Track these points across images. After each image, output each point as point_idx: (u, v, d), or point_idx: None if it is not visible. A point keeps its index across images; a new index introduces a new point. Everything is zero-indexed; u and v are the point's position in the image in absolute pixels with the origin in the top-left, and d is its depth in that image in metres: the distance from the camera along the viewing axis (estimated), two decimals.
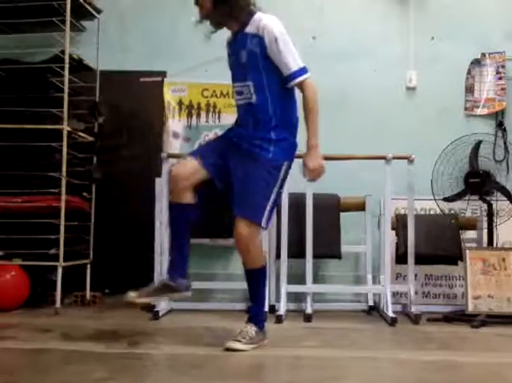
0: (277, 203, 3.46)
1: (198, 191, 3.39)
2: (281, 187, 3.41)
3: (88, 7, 5.02)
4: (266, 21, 3.27)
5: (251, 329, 3.37)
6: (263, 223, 3.31)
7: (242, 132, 3.39)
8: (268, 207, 3.31)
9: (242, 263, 3.44)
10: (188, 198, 3.34)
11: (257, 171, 3.29)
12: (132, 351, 3.29)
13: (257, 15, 3.31)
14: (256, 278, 3.44)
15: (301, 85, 3.31)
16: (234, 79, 3.44)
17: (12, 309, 4.49)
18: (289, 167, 3.42)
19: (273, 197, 3.32)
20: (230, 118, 5.28)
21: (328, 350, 3.44)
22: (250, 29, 3.29)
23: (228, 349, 3.26)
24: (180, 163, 3.47)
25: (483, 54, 5.33)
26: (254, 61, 3.29)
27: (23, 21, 4.78)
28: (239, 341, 3.31)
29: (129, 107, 5.35)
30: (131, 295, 3.43)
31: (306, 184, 4.57)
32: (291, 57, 3.28)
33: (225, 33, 5.34)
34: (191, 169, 3.33)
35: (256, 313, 3.46)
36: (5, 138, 4.64)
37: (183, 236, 3.42)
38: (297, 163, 4.51)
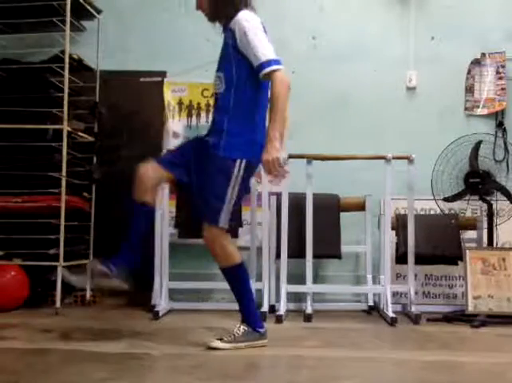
0: (238, 203, 3.40)
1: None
2: (240, 185, 3.29)
3: (88, 7, 5.01)
4: (240, 15, 3.27)
5: (239, 329, 3.37)
6: (221, 224, 3.29)
7: (214, 121, 3.42)
8: (224, 208, 3.28)
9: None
10: (149, 198, 3.44)
11: (210, 173, 3.29)
12: (132, 351, 3.29)
13: (240, 12, 3.31)
14: (231, 276, 3.43)
15: (269, 77, 3.22)
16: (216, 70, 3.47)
17: (12, 309, 4.49)
18: (250, 165, 3.30)
19: (228, 197, 3.27)
20: None
21: (328, 350, 3.44)
22: (230, 24, 3.31)
23: (208, 348, 3.28)
24: (143, 166, 3.50)
25: (483, 54, 5.33)
26: (227, 53, 3.33)
27: (23, 21, 4.77)
28: (221, 339, 3.33)
29: (129, 107, 5.34)
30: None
31: (306, 184, 4.58)
32: (260, 49, 3.22)
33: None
34: (154, 171, 3.41)
35: (246, 313, 3.43)
36: (5, 138, 4.64)
37: (137, 234, 3.48)
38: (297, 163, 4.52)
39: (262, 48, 3.22)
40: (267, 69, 3.20)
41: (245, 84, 3.30)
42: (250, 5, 3.38)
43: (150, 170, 3.42)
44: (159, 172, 3.41)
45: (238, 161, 3.27)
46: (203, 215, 3.34)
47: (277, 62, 3.22)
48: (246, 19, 3.26)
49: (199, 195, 3.35)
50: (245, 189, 3.40)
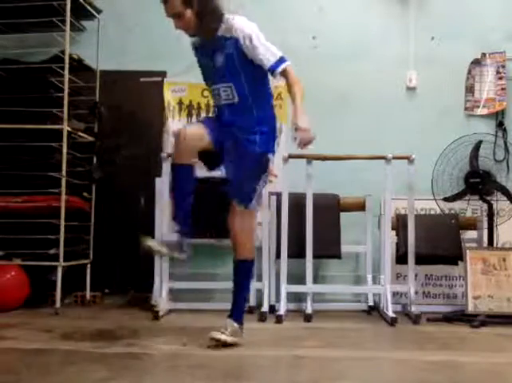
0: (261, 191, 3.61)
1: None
2: (266, 176, 3.55)
3: (88, 7, 5.02)
4: (238, 22, 3.38)
5: (232, 325, 3.43)
6: (251, 206, 3.49)
7: (231, 131, 3.49)
8: (256, 194, 3.49)
9: (233, 254, 3.54)
10: (189, 159, 3.41)
11: (248, 166, 3.46)
12: (132, 351, 3.29)
13: (226, 17, 3.39)
14: (244, 270, 3.53)
15: (283, 73, 3.41)
16: (210, 81, 3.57)
17: (12, 309, 4.49)
18: (271, 159, 3.56)
19: (260, 186, 3.51)
20: None
21: (328, 350, 3.44)
22: (222, 32, 3.40)
23: (213, 339, 3.34)
24: (189, 126, 3.62)
25: (483, 54, 5.33)
26: (231, 63, 3.41)
27: (23, 21, 4.78)
28: (223, 332, 3.38)
29: (129, 107, 5.34)
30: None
31: (306, 184, 4.58)
32: (268, 51, 3.38)
33: None
34: (199, 134, 3.41)
35: (239, 309, 3.51)
36: (5, 138, 4.64)
37: (186, 196, 3.49)
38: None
39: (269, 49, 3.38)
40: (281, 67, 3.39)
41: (256, 89, 3.47)
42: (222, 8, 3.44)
43: (193, 130, 3.45)
44: (203, 136, 3.42)
45: (269, 155, 3.51)
46: (236, 199, 3.48)
47: (285, 59, 3.41)
48: (246, 26, 3.37)
49: (233, 179, 3.49)
50: None
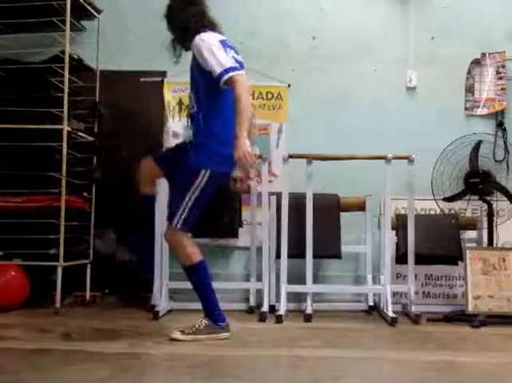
0: (195, 211, 3.58)
1: None
2: (200, 193, 3.54)
3: (88, 7, 5.01)
4: (196, 39, 3.55)
5: (201, 323, 3.59)
6: (174, 225, 3.57)
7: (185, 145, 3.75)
8: (180, 211, 3.54)
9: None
10: (150, 189, 3.91)
11: (179, 175, 3.62)
12: (132, 351, 3.29)
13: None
14: (191, 274, 3.68)
15: (229, 83, 3.45)
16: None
17: (12, 309, 4.49)
18: (214, 177, 3.54)
19: (185, 201, 3.53)
20: None
21: (328, 350, 3.44)
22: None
23: (170, 339, 3.52)
24: (142, 163, 3.88)
25: (483, 54, 5.33)
26: (192, 75, 3.64)
27: (23, 21, 4.77)
28: (182, 331, 3.56)
29: (129, 107, 5.34)
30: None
31: (306, 184, 4.58)
32: (215, 62, 3.47)
33: (226, 34, 5.35)
34: (150, 168, 3.81)
35: (206, 308, 3.65)
36: (5, 138, 4.64)
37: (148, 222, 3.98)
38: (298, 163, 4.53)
39: (217, 60, 3.47)
40: (224, 78, 3.44)
41: (207, 101, 3.56)
42: (209, 23, 3.67)
43: (146, 165, 3.83)
44: (154, 167, 3.80)
45: (204, 171, 3.51)
46: (169, 211, 3.66)
47: (233, 69, 3.46)
48: (200, 39, 3.53)
49: (171, 190, 3.77)
50: (207, 196, 3.61)
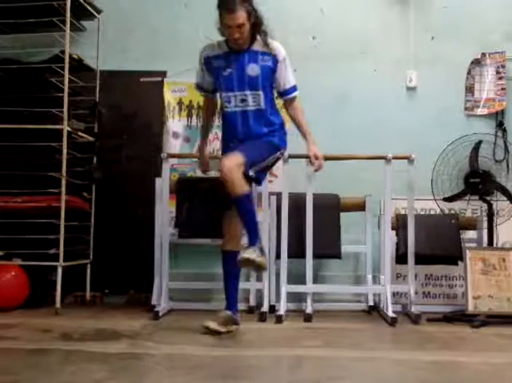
0: (265, 173, 4.01)
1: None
2: (273, 164, 3.98)
3: (88, 7, 5.02)
4: (277, 44, 3.86)
5: (255, 249, 3.64)
6: (248, 171, 3.67)
7: (251, 130, 3.87)
8: (256, 165, 3.75)
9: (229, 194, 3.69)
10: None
11: (262, 141, 3.85)
12: (132, 351, 3.29)
13: (259, 37, 3.84)
14: (243, 203, 3.69)
15: (293, 99, 3.94)
16: (234, 89, 3.84)
17: (12, 309, 4.49)
18: (279, 158, 4.01)
19: (265, 162, 3.84)
20: None
21: (328, 350, 3.44)
22: (257, 47, 3.83)
23: (242, 259, 3.60)
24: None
25: (483, 54, 5.33)
26: (266, 75, 3.83)
27: (23, 21, 4.77)
28: (252, 252, 3.62)
29: (129, 107, 5.34)
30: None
31: (306, 184, 4.58)
32: (291, 76, 3.91)
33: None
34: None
35: (252, 234, 3.70)
36: (5, 138, 4.64)
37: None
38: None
39: (291, 74, 3.92)
40: (294, 93, 3.93)
41: (272, 100, 3.92)
42: None
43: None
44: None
45: (282, 148, 3.97)
46: (239, 151, 3.71)
47: (297, 89, 3.94)
48: (282, 48, 3.86)
49: (247, 142, 3.83)
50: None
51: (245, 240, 3.84)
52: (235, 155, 3.67)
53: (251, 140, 3.84)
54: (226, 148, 3.90)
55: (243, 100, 3.83)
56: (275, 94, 3.97)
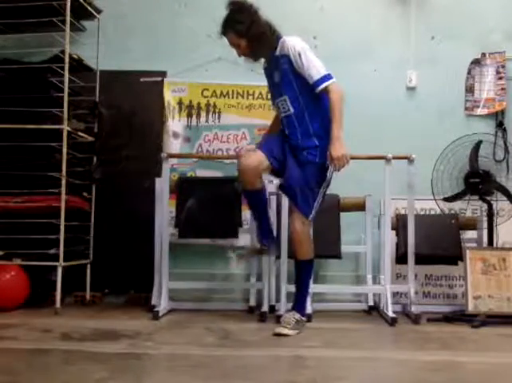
0: (323, 200, 3.96)
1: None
2: (327, 186, 3.93)
3: (88, 7, 5.01)
4: (289, 41, 3.79)
5: (293, 316, 3.80)
6: (310, 217, 3.85)
7: (292, 142, 3.88)
8: (314, 204, 3.85)
9: (294, 255, 3.94)
10: (258, 184, 3.85)
11: (309, 174, 3.81)
12: (132, 351, 3.29)
13: (282, 38, 3.83)
14: (305, 268, 3.92)
15: (325, 90, 3.74)
16: (274, 97, 3.96)
17: (12, 309, 4.49)
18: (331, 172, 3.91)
19: (320, 195, 3.88)
20: (230, 118, 5.31)
21: (328, 350, 3.44)
22: (278, 51, 3.83)
23: (276, 334, 3.69)
24: (247, 155, 3.88)
25: (483, 54, 5.33)
26: (286, 78, 3.80)
27: (23, 21, 4.77)
28: (285, 327, 3.74)
29: (129, 107, 5.34)
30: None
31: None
32: (314, 68, 3.74)
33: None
34: (258, 160, 3.80)
35: (302, 303, 3.92)
36: (5, 138, 4.64)
37: (264, 213, 4.02)
38: None
39: (314, 66, 3.74)
40: (323, 85, 3.74)
41: (311, 100, 3.81)
42: (276, 31, 3.88)
43: (253, 158, 3.80)
44: (262, 160, 3.81)
45: (329, 167, 3.85)
46: (300, 207, 3.83)
47: (328, 77, 3.76)
48: (295, 44, 3.77)
49: (297, 189, 3.83)
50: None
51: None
52: (299, 216, 3.81)
53: (293, 158, 3.83)
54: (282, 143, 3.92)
55: (279, 108, 3.91)
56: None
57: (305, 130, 3.84)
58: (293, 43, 3.77)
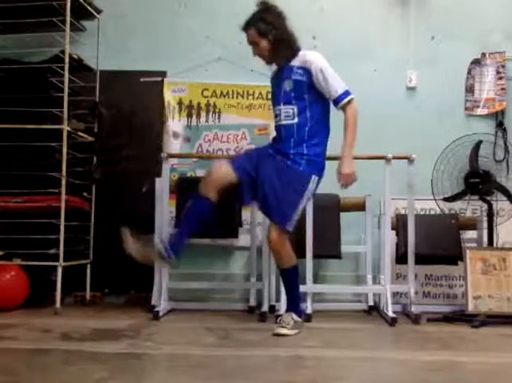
0: (299, 214, 3.84)
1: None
2: (308, 199, 3.86)
3: (88, 7, 5.02)
4: (311, 55, 3.84)
5: (291, 316, 3.81)
6: (287, 227, 3.76)
7: (281, 146, 3.83)
8: (293, 214, 3.75)
9: (276, 264, 4.00)
10: (213, 195, 3.76)
11: (288, 182, 3.74)
12: (132, 351, 3.29)
13: (302, 52, 3.86)
14: (289, 276, 3.90)
15: (346, 106, 3.82)
16: (277, 103, 3.90)
17: (12, 309, 4.49)
18: (318, 182, 3.86)
19: (299, 206, 3.77)
20: (230, 118, 5.31)
21: (328, 350, 3.44)
22: (295, 62, 3.83)
23: (276, 335, 3.69)
24: (217, 165, 3.89)
25: (483, 54, 5.33)
26: (299, 89, 3.80)
27: (23, 21, 4.77)
28: (284, 327, 3.74)
29: (129, 107, 5.34)
30: (132, 247, 3.82)
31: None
32: (337, 83, 3.80)
33: (226, 33, 5.37)
34: (225, 173, 3.78)
35: (294, 302, 3.91)
36: (5, 138, 4.64)
37: (191, 224, 3.86)
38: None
39: (337, 82, 3.81)
40: (345, 101, 3.81)
41: (316, 115, 3.83)
42: (298, 42, 3.90)
43: (223, 170, 3.79)
44: (230, 174, 3.79)
45: (313, 178, 3.82)
46: (274, 217, 3.77)
47: (349, 93, 3.83)
48: (318, 59, 3.81)
49: (271, 199, 3.75)
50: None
51: None
52: (275, 226, 3.75)
53: (271, 172, 3.76)
54: (267, 150, 3.90)
55: (277, 115, 3.88)
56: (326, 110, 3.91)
57: (300, 140, 3.81)
58: (315, 57, 3.82)
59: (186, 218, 3.88)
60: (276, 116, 3.90)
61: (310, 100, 3.81)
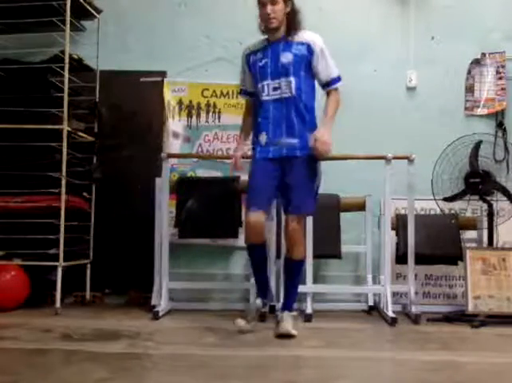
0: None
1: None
2: (320, 177, 3.97)
3: (88, 7, 5.02)
4: (313, 34, 3.93)
5: (290, 316, 3.85)
6: (311, 210, 3.97)
7: (276, 133, 3.86)
8: (313, 198, 3.90)
9: (288, 255, 3.92)
10: (260, 239, 3.86)
11: (300, 172, 3.83)
12: (132, 351, 3.29)
13: (303, 30, 3.93)
14: (297, 268, 3.95)
15: (334, 90, 3.93)
16: (268, 77, 3.88)
17: (12, 309, 4.49)
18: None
19: (315, 187, 3.92)
20: (230, 118, 5.30)
21: (328, 350, 3.44)
22: (294, 38, 3.88)
23: (281, 335, 3.69)
24: (252, 215, 3.81)
25: (483, 54, 5.33)
26: (298, 63, 3.85)
27: (23, 21, 4.77)
28: (289, 328, 3.72)
29: (129, 107, 5.33)
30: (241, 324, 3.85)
31: None
32: (333, 66, 3.92)
33: (226, 33, 5.36)
34: (257, 218, 3.79)
35: (292, 299, 3.97)
36: (5, 138, 4.64)
37: (263, 270, 4.04)
38: None
39: (333, 65, 3.92)
40: (336, 85, 3.92)
41: (307, 90, 3.89)
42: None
43: (254, 219, 3.80)
44: (260, 216, 3.82)
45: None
46: (296, 207, 3.82)
47: (340, 79, 3.94)
48: (319, 39, 3.92)
49: (293, 191, 3.83)
50: None
51: None
52: (292, 215, 3.82)
53: (286, 165, 3.83)
54: (263, 149, 3.90)
55: (275, 89, 3.86)
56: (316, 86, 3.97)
57: (299, 118, 3.85)
58: (317, 37, 3.91)
59: (256, 270, 4.03)
60: (272, 89, 3.88)
61: (303, 77, 3.87)
